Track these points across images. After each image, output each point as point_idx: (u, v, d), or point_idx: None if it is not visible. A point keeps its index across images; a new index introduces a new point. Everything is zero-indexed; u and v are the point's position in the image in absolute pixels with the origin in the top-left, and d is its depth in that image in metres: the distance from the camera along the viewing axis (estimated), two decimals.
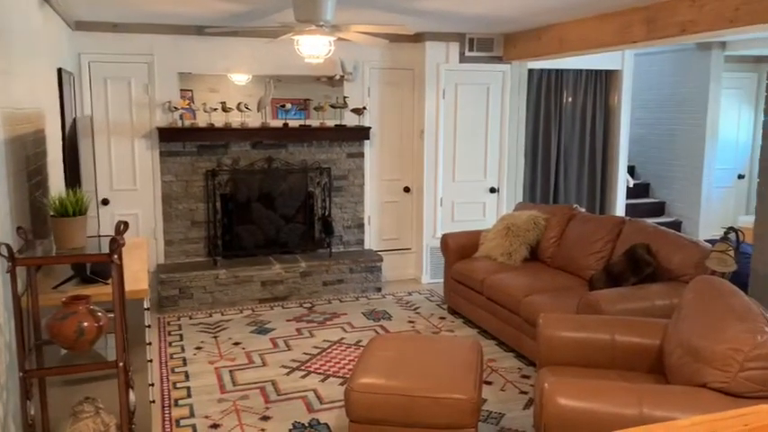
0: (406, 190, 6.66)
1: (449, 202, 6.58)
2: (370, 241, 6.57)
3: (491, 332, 4.87)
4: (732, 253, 3.64)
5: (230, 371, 4.36)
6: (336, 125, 6.19)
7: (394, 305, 5.81)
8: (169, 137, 5.73)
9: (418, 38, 6.34)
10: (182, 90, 5.84)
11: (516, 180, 6.80)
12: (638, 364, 3.12)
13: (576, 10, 4.93)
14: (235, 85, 6.01)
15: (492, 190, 6.72)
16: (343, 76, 6.18)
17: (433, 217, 6.53)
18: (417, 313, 5.57)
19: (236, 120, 5.87)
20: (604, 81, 7.09)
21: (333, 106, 6.12)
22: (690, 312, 2.87)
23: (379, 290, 6.21)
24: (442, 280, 5.88)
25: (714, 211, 7.72)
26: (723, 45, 7.29)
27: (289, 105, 6.13)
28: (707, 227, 7.50)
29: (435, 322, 5.33)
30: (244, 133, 5.93)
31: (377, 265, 6.21)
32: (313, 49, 4.26)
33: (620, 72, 6.99)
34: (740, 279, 3.90)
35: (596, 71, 7.01)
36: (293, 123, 6.08)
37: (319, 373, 4.31)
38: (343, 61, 6.13)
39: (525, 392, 3.98)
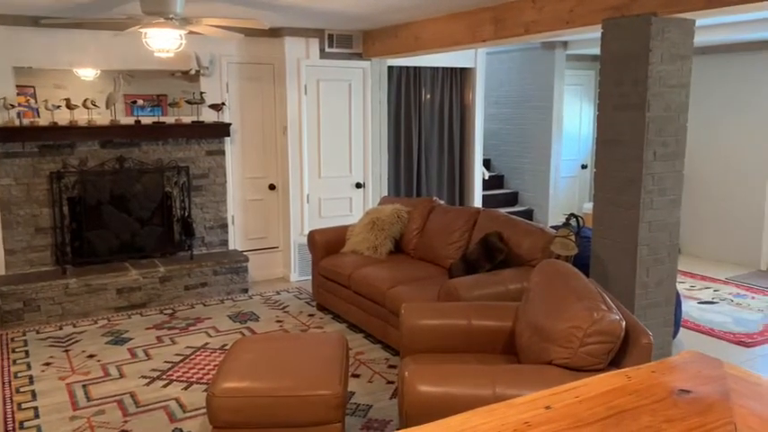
0: (272, 187, 6.56)
1: (315, 199, 6.57)
2: (235, 241, 6.40)
3: (359, 325, 4.93)
4: (573, 237, 3.93)
5: (84, 385, 4.07)
6: (193, 122, 5.97)
7: (261, 306, 5.70)
8: (5, 137, 5.24)
9: (277, 33, 6.25)
10: (21, 86, 5.35)
11: (381, 174, 6.92)
12: (494, 346, 3.29)
13: (428, 9, 5.09)
14: (82, 80, 5.60)
15: (358, 185, 6.79)
16: (199, 71, 5.96)
17: (299, 214, 6.49)
18: (286, 312, 5.51)
19: (83, 117, 5.48)
20: (459, 78, 7.39)
21: (189, 102, 5.89)
22: (536, 295, 3.07)
23: (245, 291, 6.07)
24: (310, 277, 5.86)
25: (561, 199, 8.31)
26: (565, 44, 7.85)
27: (141, 101, 5.82)
28: (555, 214, 8.06)
29: (304, 320, 5.31)
30: (91, 132, 5.55)
31: (242, 265, 6.06)
32: (162, 42, 4.06)
33: (474, 70, 7.31)
34: (582, 261, 4.23)
35: (452, 69, 7.29)
36: (146, 120, 5.78)
37: (182, 381, 4.14)
38: (198, 55, 5.91)
39: (392, 382, 4.07)
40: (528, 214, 8.29)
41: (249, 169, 6.41)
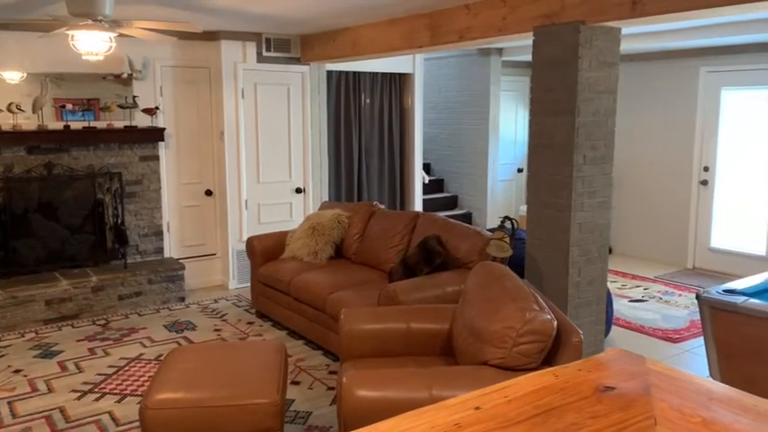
0: (208, 193, 6.44)
1: (254, 204, 6.48)
2: (171, 249, 6.25)
3: (299, 332, 4.89)
4: (508, 240, 4.01)
5: (9, 402, 3.89)
6: (126, 126, 5.80)
7: (199, 314, 5.58)
8: None
9: (213, 36, 6.15)
10: None
11: (321, 179, 6.89)
12: (433, 348, 3.32)
13: (365, 15, 5.11)
14: (7, 83, 5.36)
15: (298, 190, 6.74)
16: (131, 75, 5.80)
17: (237, 220, 6.39)
18: (224, 320, 5.42)
19: (7, 122, 5.25)
20: (398, 83, 7.45)
21: (121, 106, 5.72)
22: (472, 296, 3.11)
23: (182, 299, 5.93)
24: (249, 284, 5.77)
25: (499, 202, 8.48)
26: (500, 51, 8.02)
27: (71, 106, 5.62)
28: (493, 217, 8.21)
29: (243, 328, 5.22)
30: (17, 137, 5.32)
31: (179, 273, 5.92)
32: (90, 45, 3.93)
33: (412, 75, 7.38)
34: (518, 262, 4.32)
35: (391, 74, 7.34)
36: (76, 125, 5.58)
37: (115, 394, 4.01)
38: (130, 58, 5.75)
39: (332, 388, 4.05)
40: (467, 217, 8.42)
41: (185, 175, 6.28)
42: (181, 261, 6.12)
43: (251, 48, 6.27)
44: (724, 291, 3.35)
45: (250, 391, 2.93)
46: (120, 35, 4.33)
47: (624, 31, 4.00)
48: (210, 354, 3.41)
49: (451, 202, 8.71)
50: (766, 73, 6.47)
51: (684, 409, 1.45)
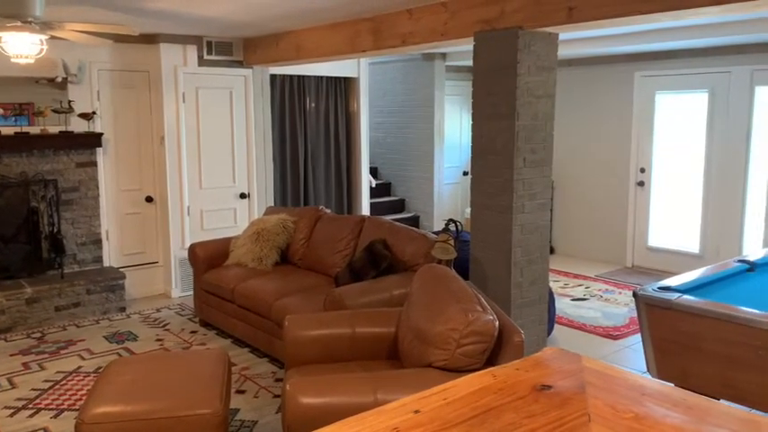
0: (149, 200, 6.28)
1: (197, 211, 6.36)
2: (110, 258, 6.06)
3: (245, 340, 4.81)
4: (453, 242, 4.05)
5: None
6: (61, 132, 5.60)
7: (140, 324, 5.43)
8: None
9: (151, 39, 6.01)
10: None
11: (266, 184, 6.81)
12: (378, 352, 3.31)
13: (307, 18, 5.08)
14: None
15: (242, 195, 6.65)
16: (66, 78, 5.61)
17: (180, 227, 6.25)
18: (166, 330, 5.28)
19: None
20: (344, 87, 7.44)
21: (56, 111, 5.53)
22: (417, 299, 3.13)
23: (123, 309, 5.76)
24: (193, 292, 5.65)
25: (445, 205, 8.56)
26: (444, 56, 8.10)
27: (0, 110, 5.38)
28: (440, 220, 8.28)
29: (186, 337, 5.11)
30: None
31: (119, 282, 5.75)
32: (20, 47, 3.78)
33: (358, 79, 7.39)
34: (463, 264, 4.37)
35: (336, 78, 7.32)
36: (8, 131, 5.35)
37: (51, 409, 3.85)
38: (65, 62, 5.56)
39: (278, 396, 4.00)
40: (414, 221, 8.47)
41: (124, 181, 6.10)
42: (121, 270, 5.94)
43: (192, 51, 6.16)
44: (659, 288, 3.46)
45: (191, 401, 2.87)
46: (53, 37, 4.18)
47: (562, 36, 4.11)
48: (151, 365, 3.32)
49: (399, 206, 8.75)
50: (697, 77, 6.74)
51: (618, 405, 1.49)
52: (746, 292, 3.57)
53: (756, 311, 3.05)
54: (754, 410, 3.07)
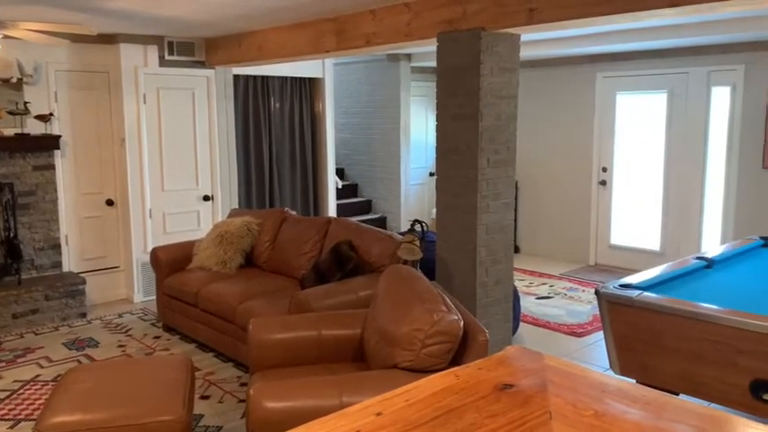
0: (110, 203, 6.15)
1: (159, 214, 6.25)
2: (70, 262, 5.92)
3: (209, 344, 4.74)
4: (418, 243, 4.05)
5: None
6: (17, 134, 5.45)
7: (101, 330, 5.31)
8: None
9: (110, 39, 5.89)
10: None
11: (230, 187, 6.73)
12: (344, 355, 3.30)
13: (270, 18, 5.04)
14: None
15: (206, 198, 6.56)
16: (21, 79, 5.46)
17: (141, 230, 6.14)
18: (129, 336, 5.18)
19: None
20: (308, 88, 7.40)
21: (11, 113, 5.38)
22: (382, 300, 3.12)
23: (83, 315, 5.63)
24: (155, 297, 5.55)
25: (412, 205, 8.58)
26: (409, 57, 8.12)
27: None
28: (407, 220, 8.30)
29: (149, 343, 5.01)
30: None
31: (79, 288, 5.61)
32: None
33: (322, 80, 7.35)
34: (429, 265, 4.38)
35: (300, 78, 7.28)
36: None
37: (8, 420, 3.74)
38: (20, 62, 5.41)
39: (244, 401, 3.94)
40: (381, 221, 8.47)
41: (84, 184, 5.97)
42: (81, 275, 5.81)
43: (152, 51, 6.05)
44: (620, 285, 3.52)
45: (153, 408, 2.81)
46: (7, 37, 4.06)
47: (524, 38, 4.15)
48: (111, 371, 3.25)
49: (366, 207, 8.74)
50: (656, 78, 6.88)
51: (578, 403, 1.50)
52: (705, 289, 3.65)
53: (714, 307, 3.12)
54: (713, 405, 3.14)
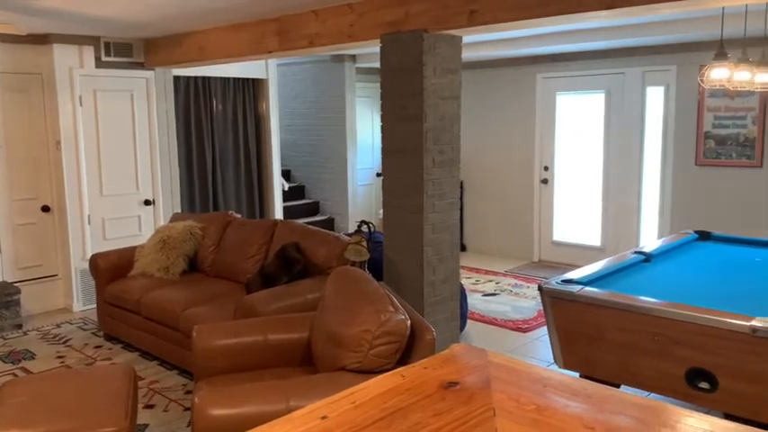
0: (45, 209, 5.92)
1: (98, 219, 6.05)
2: (3, 272, 5.67)
3: (153, 352, 4.62)
4: (365, 243, 4.05)
5: None
6: None
7: (39, 341, 5.11)
8: None
9: (43, 40, 5.67)
10: None
11: (172, 190, 6.58)
12: (292, 359, 3.26)
13: (210, 19, 4.95)
14: None
15: (147, 202, 6.39)
16: None
17: (80, 237, 5.93)
18: (68, 346, 5.00)
19: None
20: (252, 89, 7.30)
21: None
22: (330, 302, 3.10)
23: (19, 327, 5.40)
24: (96, 305, 5.38)
25: (360, 206, 8.58)
26: (354, 58, 8.11)
27: None
28: (355, 221, 8.28)
29: (90, 353, 4.85)
30: None
31: (13, 298, 5.38)
32: None
33: (266, 81, 7.27)
34: (378, 265, 4.38)
35: (243, 79, 7.18)
36: None
37: None
38: None
39: (189, 409, 3.86)
40: (329, 223, 8.43)
41: (17, 190, 5.73)
42: (16, 285, 5.57)
43: (88, 52, 5.86)
44: (562, 281, 3.60)
45: (94, 420, 2.72)
46: None
47: (466, 39, 4.20)
48: (49, 384, 3.13)
49: (313, 209, 8.68)
50: (594, 78, 7.08)
51: (521, 398, 1.53)
52: (643, 282, 3.77)
53: (652, 300, 3.23)
54: (652, 395, 3.25)
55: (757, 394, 2.86)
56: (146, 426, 3.63)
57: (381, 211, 8.51)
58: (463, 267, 6.85)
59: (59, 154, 5.79)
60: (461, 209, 6.60)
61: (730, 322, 2.89)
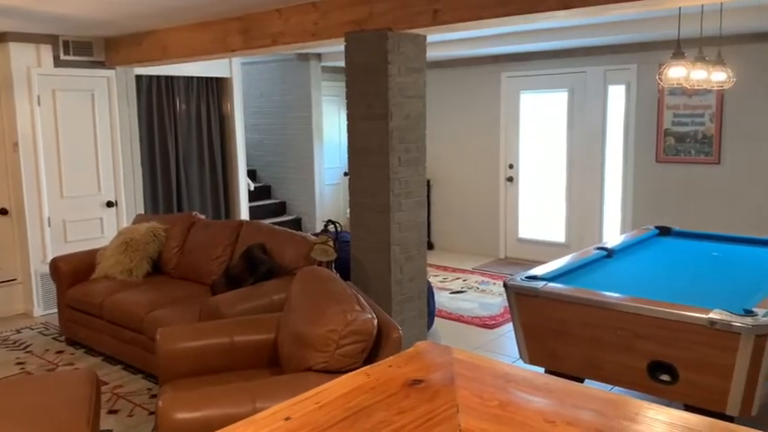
0: (3, 212, 5.77)
1: (59, 222, 5.92)
2: None
3: (116, 357, 4.54)
4: (332, 243, 4.04)
5: None
6: None
7: None
8: None
9: None
10: None
11: (135, 191, 6.47)
12: (258, 360, 3.24)
13: (171, 17, 4.87)
14: None
15: (109, 204, 6.27)
16: None
17: (40, 240, 5.79)
18: (28, 352, 4.88)
19: None
20: (216, 88, 7.22)
21: None
22: (296, 303, 3.09)
23: None
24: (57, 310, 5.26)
25: (327, 206, 8.55)
26: (319, 56, 8.08)
27: None
28: (322, 221, 8.25)
29: (51, 358, 4.74)
30: None
31: None
32: None
33: (230, 80, 7.20)
34: (344, 265, 4.38)
35: (207, 78, 7.09)
36: None
37: None
38: None
39: (154, 413, 3.80)
40: (297, 223, 8.38)
41: None
42: None
43: (46, 51, 5.72)
44: (527, 277, 3.64)
45: (55, 428, 2.66)
46: None
47: (431, 38, 4.21)
48: (8, 391, 3.05)
49: (280, 209, 8.62)
50: (557, 77, 7.18)
51: (484, 394, 1.54)
52: (605, 277, 3.84)
53: (614, 294, 3.29)
54: (616, 388, 3.31)
55: (715, 385, 2.93)
56: (110, 431, 3.56)
57: (348, 210, 8.51)
58: (430, 265, 6.90)
59: (17, 155, 5.65)
60: (428, 207, 6.63)
61: (689, 315, 2.96)
